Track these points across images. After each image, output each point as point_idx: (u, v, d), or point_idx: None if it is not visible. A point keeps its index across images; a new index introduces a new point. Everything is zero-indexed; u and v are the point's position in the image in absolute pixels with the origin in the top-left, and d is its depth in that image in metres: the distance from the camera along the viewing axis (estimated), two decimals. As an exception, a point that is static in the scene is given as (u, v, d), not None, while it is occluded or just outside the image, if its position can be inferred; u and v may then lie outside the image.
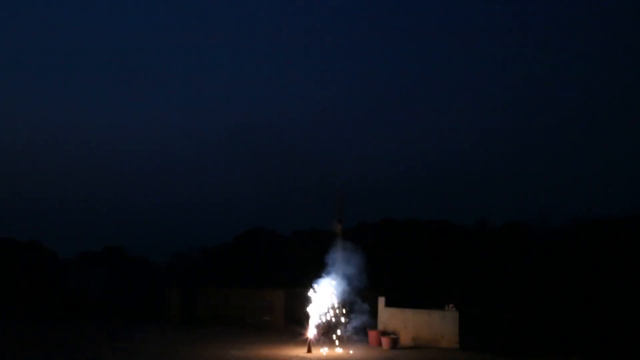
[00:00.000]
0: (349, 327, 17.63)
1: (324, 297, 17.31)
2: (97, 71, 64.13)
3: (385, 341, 17.77)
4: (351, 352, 16.85)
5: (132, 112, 65.32)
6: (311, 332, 17.19)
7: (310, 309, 17.39)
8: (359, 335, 18.30)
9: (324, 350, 16.87)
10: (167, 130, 64.50)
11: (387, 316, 18.79)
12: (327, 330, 17.35)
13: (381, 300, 18.95)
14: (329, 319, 17.40)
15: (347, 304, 17.57)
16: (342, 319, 17.47)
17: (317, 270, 17.48)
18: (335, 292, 17.38)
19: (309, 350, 16.86)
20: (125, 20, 64.15)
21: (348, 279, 17.48)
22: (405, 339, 18.21)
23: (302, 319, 17.76)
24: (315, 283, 17.36)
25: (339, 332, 17.38)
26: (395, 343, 17.73)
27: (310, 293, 17.38)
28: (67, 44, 64.25)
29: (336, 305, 17.41)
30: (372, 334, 18.34)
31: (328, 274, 17.40)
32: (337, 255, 17.54)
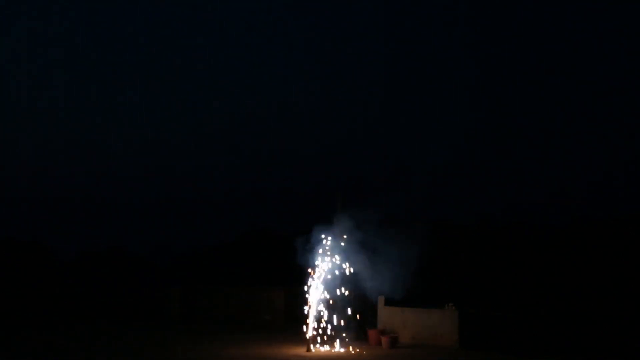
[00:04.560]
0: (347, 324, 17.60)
1: (319, 291, 17.35)
2: (96, 69, 64.14)
3: (384, 340, 17.78)
4: (349, 350, 16.90)
5: (132, 111, 65.33)
6: (310, 331, 17.22)
7: (308, 306, 17.43)
8: (357, 333, 18.31)
9: (323, 349, 16.95)
10: (168, 130, 64.50)
11: (387, 315, 18.79)
12: (324, 329, 17.36)
13: (381, 299, 18.95)
14: (324, 315, 17.42)
15: (345, 300, 17.58)
16: (337, 316, 17.48)
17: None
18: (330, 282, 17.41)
19: (309, 349, 16.89)
20: (124, 18, 64.15)
21: (346, 277, 17.53)
22: (404, 338, 18.20)
23: (302, 318, 17.76)
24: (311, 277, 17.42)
25: (333, 330, 17.39)
26: (394, 342, 17.74)
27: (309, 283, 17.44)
28: (64, 40, 64.28)
29: (331, 301, 17.43)
30: (371, 333, 18.36)
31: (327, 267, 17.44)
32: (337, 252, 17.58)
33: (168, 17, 65.65)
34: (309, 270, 17.51)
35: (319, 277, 17.43)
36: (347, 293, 17.52)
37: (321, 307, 17.44)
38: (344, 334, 17.43)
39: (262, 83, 65.58)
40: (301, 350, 16.92)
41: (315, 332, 17.28)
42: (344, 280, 17.56)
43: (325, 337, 17.29)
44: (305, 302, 17.59)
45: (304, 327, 17.45)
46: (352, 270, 17.51)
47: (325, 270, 17.46)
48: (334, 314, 17.46)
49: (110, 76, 63.44)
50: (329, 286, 17.49)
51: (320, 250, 17.52)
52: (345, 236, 17.58)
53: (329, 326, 17.38)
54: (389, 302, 18.82)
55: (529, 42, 57.36)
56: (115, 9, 64.79)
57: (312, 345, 17.03)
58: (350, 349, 16.98)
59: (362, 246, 17.53)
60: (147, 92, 65.27)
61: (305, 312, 17.52)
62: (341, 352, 16.86)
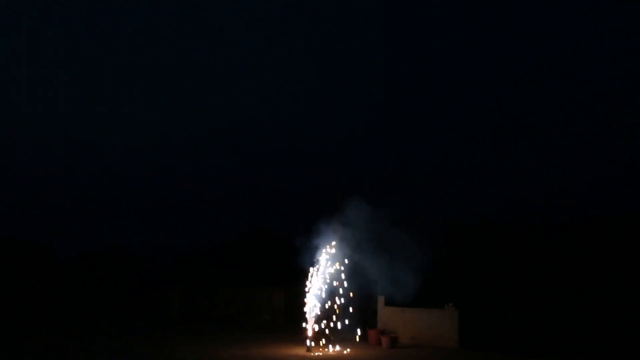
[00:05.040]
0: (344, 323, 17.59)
1: (318, 289, 17.37)
2: (97, 68, 64.06)
3: (384, 340, 17.78)
4: (346, 350, 16.90)
5: (132, 111, 65.28)
6: (310, 331, 17.23)
7: (307, 304, 17.44)
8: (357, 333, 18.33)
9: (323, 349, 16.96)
10: (168, 130, 64.46)
11: (387, 315, 18.80)
12: (323, 328, 17.36)
13: (381, 299, 18.97)
14: (324, 313, 17.43)
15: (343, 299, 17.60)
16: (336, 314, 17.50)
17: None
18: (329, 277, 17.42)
19: (309, 350, 16.90)
20: (124, 18, 64.09)
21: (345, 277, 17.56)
22: (404, 338, 18.21)
23: (301, 318, 17.76)
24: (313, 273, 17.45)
25: (332, 329, 17.39)
26: (394, 342, 17.74)
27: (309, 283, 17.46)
28: (64, 40, 64.19)
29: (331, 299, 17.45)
30: (371, 333, 18.36)
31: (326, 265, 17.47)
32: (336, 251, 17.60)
33: (168, 17, 65.65)
34: (309, 269, 17.56)
35: (318, 277, 17.44)
36: (350, 293, 17.55)
37: (321, 307, 17.45)
38: (343, 335, 17.45)
39: (262, 83, 65.54)
40: (301, 350, 16.92)
41: (315, 332, 17.29)
42: (344, 280, 17.58)
43: (325, 337, 17.29)
44: (304, 301, 17.60)
45: (304, 327, 17.46)
46: (348, 270, 17.54)
47: (325, 269, 17.48)
48: (334, 313, 17.48)
49: (110, 76, 63.39)
50: (329, 286, 17.51)
51: (319, 250, 17.55)
52: (343, 236, 17.62)
53: (329, 326, 17.40)
54: (389, 302, 18.84)
55: (529, 42, 57.36)
56: (115, 9, 64.78)
57: (312, 345, 17.03)
58: (347, 349, 16.97)
59: (362, 245, 17.55)
60: (147, 92, 65.22)
61: (305, 312, 17.53)
62: (341, 352, 16.86)
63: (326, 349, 17.02)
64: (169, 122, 64.88)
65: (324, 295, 17.43)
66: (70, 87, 63.55)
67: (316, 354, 16.69)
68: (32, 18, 60.68)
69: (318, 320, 17.34)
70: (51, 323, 23.43)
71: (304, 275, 17.75)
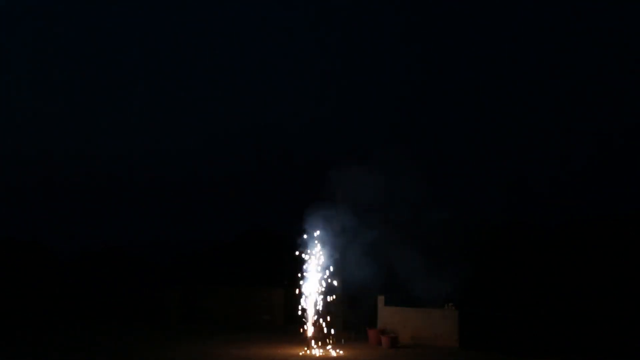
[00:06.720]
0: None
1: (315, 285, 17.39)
2: (96, 68, 64.00)
3: (384, 340, 17.78)
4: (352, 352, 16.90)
5: (132, 111, 65.23)
6: (310, 331, 17.23)
7: (306, 303, 17.44)
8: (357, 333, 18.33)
9: (321, 349, 16.96)
10: (168, 130, 64.42)
11: (387, 315, 18.79)
12: (321, 328, 17.37)
13: (381, 299, 18.96)
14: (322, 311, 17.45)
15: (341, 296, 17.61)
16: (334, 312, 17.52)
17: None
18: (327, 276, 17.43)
19: (308, 349, 16.89)
20: (123, 18, 64.09)
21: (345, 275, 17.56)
22: (404, 338, 18.21)
23: (301, 318, 17.76)
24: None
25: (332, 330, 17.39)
26: (394, 342, 17.74)
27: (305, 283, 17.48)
28: (65, 43, 64.18)
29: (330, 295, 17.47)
30: (371, 333, 18.36)
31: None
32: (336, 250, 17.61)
33: (168, 16, 65.67)
34: (303, 268, 17.59)
35: (315, 276, 17.44)
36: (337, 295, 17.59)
37: (320, 307, 17.45)
38: (342, 335, 17.46)
39: (262, 83, 65.57)
40: (300, 351, 16.92)
41: (314, 332, 17.29)
42: (339, 278, 17.60)
43: (324, 337, 17.29)
44: (302, 301, 17.61)
45: (304, 327, 17.46)
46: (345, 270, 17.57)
47: (321, 268, 17.49)
48: (332, 313, 17.49)
49: (110, 76, 63.35)
50: (327, 286, 17.52)
51: (316, 248, 17.55)
52: (342, 232, 17.65)
53: (328, 325, 17.41)
54: (388, 302, 18.84)
55: (529, 42, 57.34)
56: (115, 9, 64.80)
57: (311, 345, 17.03)
58: (340, 351, 16.95)
59: (360, 245, 17.57)
60: (147, 92, 65.21)
61: (305, 312, 17.52)
62: (340, 353, 16.85)
63: (326, 349, 17.02)
64: (169, 122, 64.83)
65: (321, 295, 17.44)
66: (70, 87, 63.52)
67: (315, 352, 16.71)
68: (32, 18, 60.71)
69: (317, 320, 17.35)
70: (51, 323, 23.42)
71: (302, 275, 17.74)
